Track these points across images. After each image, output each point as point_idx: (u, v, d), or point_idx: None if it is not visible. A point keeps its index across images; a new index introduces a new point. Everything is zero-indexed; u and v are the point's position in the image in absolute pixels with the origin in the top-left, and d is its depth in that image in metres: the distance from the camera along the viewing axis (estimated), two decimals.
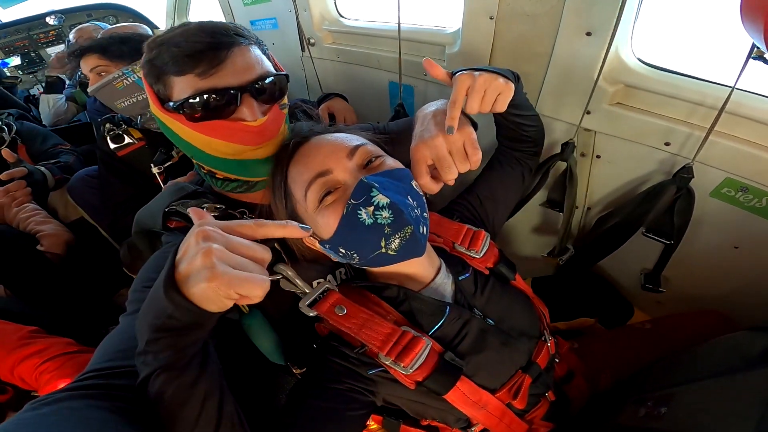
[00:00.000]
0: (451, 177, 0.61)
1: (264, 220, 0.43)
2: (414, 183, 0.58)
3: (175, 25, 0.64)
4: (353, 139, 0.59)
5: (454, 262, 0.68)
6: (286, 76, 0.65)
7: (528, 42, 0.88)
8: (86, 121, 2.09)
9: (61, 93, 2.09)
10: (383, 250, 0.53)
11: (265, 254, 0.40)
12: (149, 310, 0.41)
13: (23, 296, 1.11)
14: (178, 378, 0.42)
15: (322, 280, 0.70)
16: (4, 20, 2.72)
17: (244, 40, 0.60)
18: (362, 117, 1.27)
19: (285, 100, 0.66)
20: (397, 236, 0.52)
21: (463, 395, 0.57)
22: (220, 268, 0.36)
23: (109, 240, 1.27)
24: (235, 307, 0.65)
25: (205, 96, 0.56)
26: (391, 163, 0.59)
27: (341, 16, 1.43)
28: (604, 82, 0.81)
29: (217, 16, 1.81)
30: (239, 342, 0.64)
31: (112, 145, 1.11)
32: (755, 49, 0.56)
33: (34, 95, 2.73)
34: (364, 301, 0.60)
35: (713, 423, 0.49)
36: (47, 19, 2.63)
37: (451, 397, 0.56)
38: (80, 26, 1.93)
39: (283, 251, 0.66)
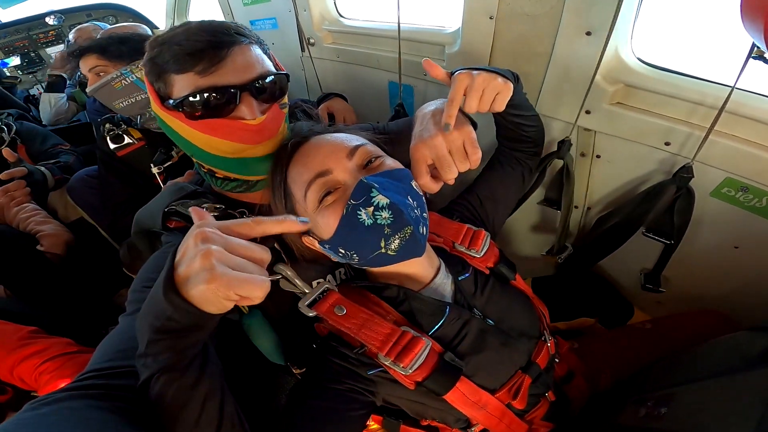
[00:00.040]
0: (451, 176, 0.61)
1: (262, 217, 0.42)
2: (414, 183, 0.58)
3: (175, 25, 0.65)
4: (353, 139, 0.59)
5: (454, 261, 0.68)
6: (287, 75, 0.65)
7: (528, 42, 0.88)
8: (86, 121, 2.09)
9: (63, 92, 2.09)
10: (383, 250, 0.53)
11: (265, 255, 0.40)
12: (149, 311, 0.41)
13: (23, 296, 1.11)
14: (178, 380, 0.42)
15: (321, 280, 0.70)
16: (4, 20, 2.72)
17: (245, 39, 0.60)
18: (362, 117, 1.27)
19: (285, 99, 0.66)
20: (396, 237, 0.52)
21: (463, 395, 0.57)
22: (220, 269, 0.36)
23: (109, 240, 1.27)
24: (236, 307, 0.65)
25: (204, 94, 0.57)
26: (391, 163, 0.59)
27: (341, 16, 1.43)
28: (603, 82, 0.81)
29: (217, 16, 1.81)
30: (239, 342, 0.64)
31: (111, 145, 1.11)
32: (755, 48, 0.56)
33: (34, 95, 2.72)
34: (363, 301, 0.60)
35: (713, 423, 0.49)
36: (47, 19, 2.63)
37: (450, 397, 0.56)
38: (80, 26, 1.93)
39: (282, 251, 0.66)
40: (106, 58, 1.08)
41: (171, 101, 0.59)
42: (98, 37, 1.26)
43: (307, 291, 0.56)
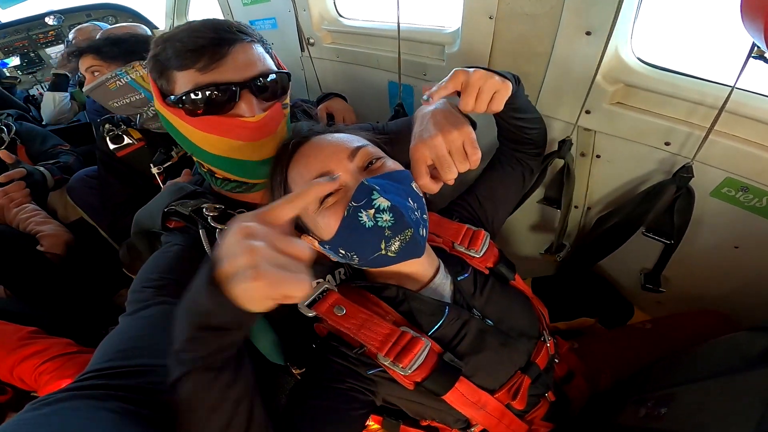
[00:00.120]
0: (450, 177, 0.61)
1: (290, 194, 0.41)
2: (414, 185, 0.58)
3: (175, 25, 0.65)
4: (354, 140, 0.59)
5: (453, 262, 0.68)
6: (288, 74, 0.65)
7: (527, 42, 0.88)
8: (86, 122, 2.10)
9: (66, 91, 2.10)
10: (383, 251, 0.53)
11: (307, 252, 0.38)
12: (188, 307, 0.40)
13: (23, 296, 1.11)
14: (213, 380, 0.41)
15: (321, 280, 0.70)
16: (4, 20, 2.72)
17: (247, 37, 0.60)
18: (362, 117, 1.26)
19: (287, 99, 0.66)
20: (397, 239, 0.52)
21: (462, 396, 0.57)
22: (265, 267, 0.34)
23: (109, 240, 1.27)
24: None
25: (205, 91, 0.57)
26: (392, 164, 0.59)
27: (340, 15, 1.43)
28: (603, 82, 0.81)
29: (217, 16, 1.80)
30: None
31: (111, 146, 1.11)
32: (755, 48, 0.56)
33: (34, 95, 2.72)
34: (363, 302, 0.60)
35: (713, 423, 0.49)
36: (46, 20, 2.63)
37: (450, 397, 0.56)
38: (79, 26, 1.94)
39: None
40: (102, 58, 1.09)
41: (172, 97, 0.59)
42: (97, 37, 1.26)
43: None
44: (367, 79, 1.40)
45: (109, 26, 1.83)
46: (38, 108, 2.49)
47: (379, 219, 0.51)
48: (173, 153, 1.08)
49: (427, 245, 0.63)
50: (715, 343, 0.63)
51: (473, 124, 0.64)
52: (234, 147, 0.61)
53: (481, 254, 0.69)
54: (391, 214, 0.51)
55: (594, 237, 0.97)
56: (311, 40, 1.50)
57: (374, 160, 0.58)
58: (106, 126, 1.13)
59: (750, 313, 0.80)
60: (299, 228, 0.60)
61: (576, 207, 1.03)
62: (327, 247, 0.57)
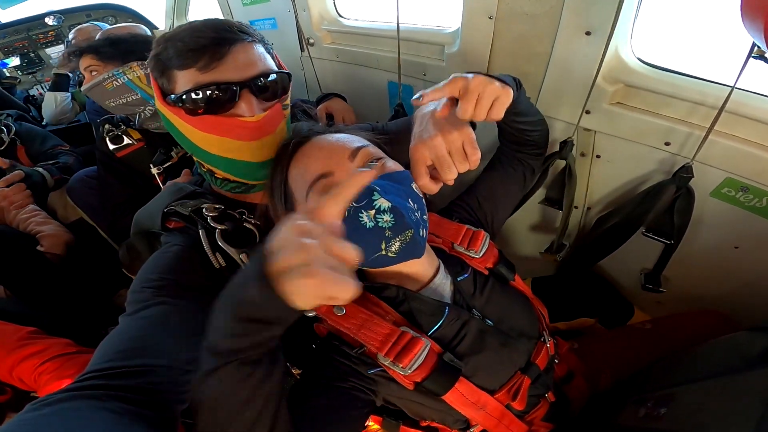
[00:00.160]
0: (450, 177, 0.61)
1: (334, 190, 0.40)
2: (414, 185, 0.58)
3: (174, 25, 0.65)
4: (354, 141, 0.59)
5: (453, 262, 0.68)
6: (289, 74, 0.65)
7: (527, 42, 0.88)
8: (86, 122, 2.10)
9: (67, 91, 2.10)
10: (383, 252, 0.53)
11: (355, 256, 0.38)
12: (233, 298, 0.40)
13: (23, 297, 1.11)
14: (249, 375, 0.41)
15: None
16: (4, 20, 2.72)
17: (248, 37, 0.60)
18: (361, 117, 1.26)
19: (288, 100, 0.66)
20: (397, 239, 0.52)
21: (462, 396, 0.57)
22: (318, 266, 0.34)
23: (109, 241, 1.27)
24: None
25: (205, 90, 0.57)
26: (392, 165, 0.59)
27: (340, 16, 1.43)
28: (603, 82, 0.81)
29: (216, 16, 1.81)
30: None
31: (111, 146, 1.11)
32: (755, 48, 0.56)
33: (33, 96, 2.72)
34: (362, 302, 0.60)
35: (713, 423, 0.49)
36: (46, 20, 2.63)
37: (449, 398, 0.56)
38: (80, 26, 1.94)
39: None
40: (100, 58, 1.10)
41: (172, 96, 0.59)
42: (97, 37, 1.26)
43: None
44: (366, 79, 1.40)
45: (109, 26, 1.83)
46: (38, 108, 2.49)
47: (379, 219, 0.51)
48: (173, 153, 1.08)
49: (427, 245, 0.63)
50: (715, 343, 0.63)
51: (473, 125, 0.64)
52: (233, 147, 0.61)
53: (481, 255, 0.68)
54: (391, 215, 0.51)
55: (594, 237, 0.97)
56: (311, 40, 1.50)
57: (374, 161, 0.58)
58: (106, 126, 1.13)
59: (750, 313, 0.80)
60: None
61: (576, 207, 1.03)
62: None
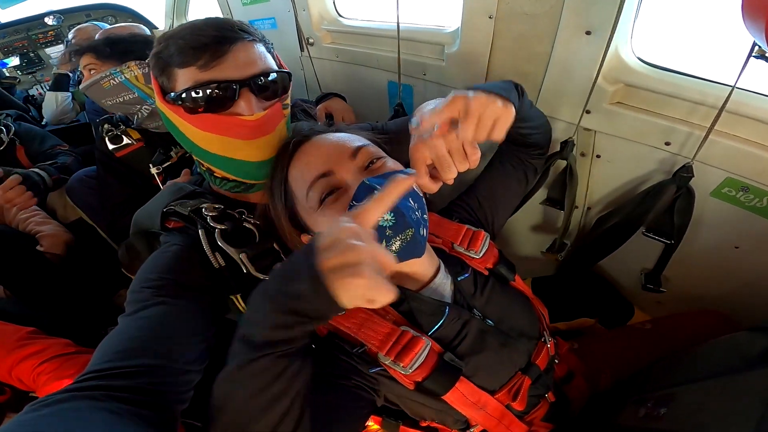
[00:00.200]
0: (450, 176, 0.60)
1: (377, 195, 0.43)
2: (414, 185, 0.58)
3: (174, 25, 0.65)
4: (355, 140, 0.59)
5: (453, 262, 0.67)
6: (289, 74, 0.65)
7: (527, 41, 0.87)
8: (85, 122, 2.09)
9: (68, 91, 2.10)
10: None
11: (393, 264, 0.40)
12: (280, 290, 0.41)
13: (23, 297, 1.11)
14: (285, 368, 0.42)
15: None
16: (3, 20, 2.71)
17: (249, 36, 0.60)
18: (361, 117, 1.26)
19: (288, 99, 0.66)
20: (398, 238, 0.52)
21: (463, 396, 0.57)
22: (368, 268, 0.37)
23: (108, 241, 1.27)
24: (234, 306, 0.65)
25: (205, 88, 0.57)
26: (392, 164, 0.59)
27: (340, 15, 1.43)
28: (603, 82, 0.81)
29: (216, 16, 1.81)
30: None
31: (110, 146, 1.11)
32: (756, 47, 0.56)
33: (33, 96, 2.72)
34: None
35: (713, 423, 0.49)
36: (46, 20, 2.63)
37: (450, 397, 0.56)
38: (79, 26, 1.94)
39: (282, 251, 0.66)
40: (98, 57, 1.11)
41: (172, 94, 0.59)
42: (96, 37, 1.27)
43: None
44: (366, 79, 1.40)
45: (109, 26, 1.83)
46: (38, 108, 2.49)
47: (380, 218, 0.51)
48: (172, 153, 1.08)
49: (427, 245, 0.63)
50: (715, 343, 0.63)
51: None
52: (232, 145, 0.61)
53: (481, 255, 0.68)
54: (392, 214, 0.51)
55: (594, 237, 0.97)
56: (311, 40, 1.50)
57: (375, 160, 0.58)
58: (105, 126, 1.13)
59: (750, 313, 0.80)
60: (299, 227, 0.60)
61: (576, 207, 1.03)
62: None
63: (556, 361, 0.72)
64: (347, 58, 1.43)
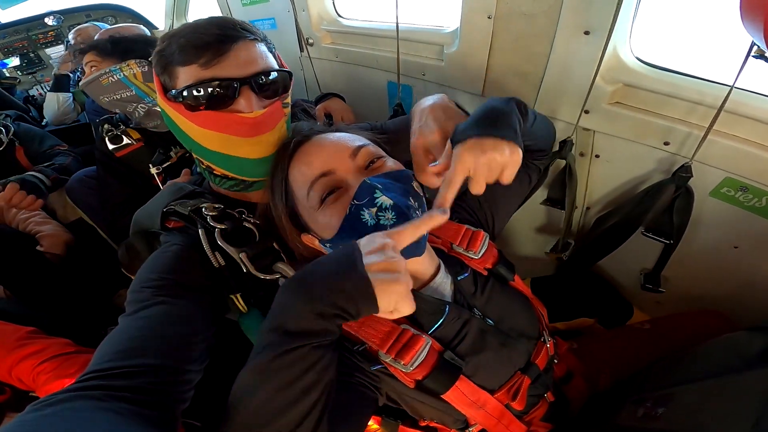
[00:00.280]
0: None
1: (415, 222, 0.47)
2: (415, 184, 0.58)
3: (174, 25, 0.65)
4: (355, 140, 0.59)
5: (452, 262, 0.67)
6: (290, 73, 0.65)
7: (526, 41, 0.88)
8: (85, 122, 2.09)
9: (69, 91, 2.10)
10: None
11: (411, 283, 0.44)
12: (326, 284, 0.43)
13: (23, 297, 1.11)
14: (318, 360, 0.43)
15: None
16: (4, 21, 2.72)
17: (250, 35, 0.61)
18: (361, 117, 1.26)
19: (288, 99, 0.66)
20: None
21: (462, 395, 0.57)
22: (407, 278, 0.42)
23: (108, 241, 1.27)
24: (234, 306, 0.65)
25: (205, 85, 0.57)
26: (392, 164, 0.59)
27: (339, 16, 1.43)
28: (602, 82, 0.81)
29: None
30: (238, 342, 0.64)
31: (110, 146, 1.11)
32: (755, 47, 0.56)
33: (33, 96, 2.72)
34: None
35: (712, 423, 0.49)
36: (46, 20, 2.63)
37: (450, 396, 0.56)
38: (80, 26, 1.94)
39: (282, 251, 0.66)
40: (99, 55, 1.12)
41: (173, 92, 0.59)
42: (96, 36, 1.28)
43: None
44: (366, 79, 1.40)
45: (109, 26, 1.83)
46: (38, 108, 2.49)
47: (381, 217, 0.51)
48: (172, 153, 1.09)
49: (427, 244, 0.63)
50: (714, 343, 0.63)
51: None
52: (232, 143, 0.61)
53: (480, 256, 0.68)
54: (393, 213, 0.51)
55: (593, 237, 0.97)
56: (310, 41, 1.50)
57: (375, 159, 0.58)
58: (105, 126, 1.13)
59: (750, 313, 0.80)
60: (299, 226, 0.60)
61: (575, 207, 1.03)
62: (328, 245, 0.57)
63: (556, 361, 0.72)
64: (347, 58, 1.43)
